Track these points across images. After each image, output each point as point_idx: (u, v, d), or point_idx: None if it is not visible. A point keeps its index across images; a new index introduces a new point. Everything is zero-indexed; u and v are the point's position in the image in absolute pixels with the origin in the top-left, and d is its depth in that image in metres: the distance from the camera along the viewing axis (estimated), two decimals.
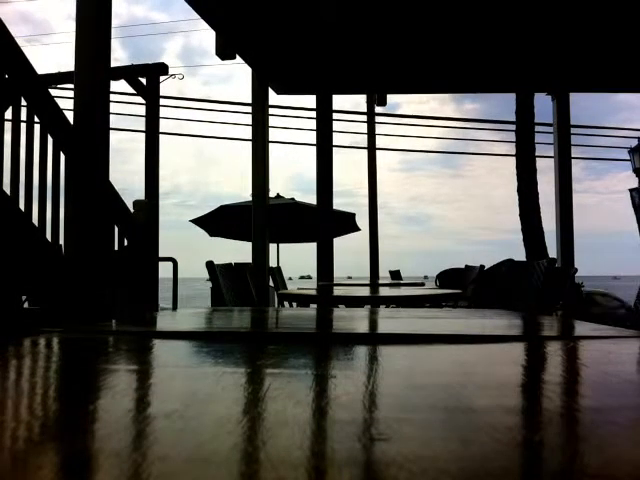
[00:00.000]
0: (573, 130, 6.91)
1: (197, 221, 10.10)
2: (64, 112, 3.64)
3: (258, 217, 6.12)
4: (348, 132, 13.79)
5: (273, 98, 6.62)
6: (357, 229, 10.26)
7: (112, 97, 3.77)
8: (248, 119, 6.42)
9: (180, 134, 15.61)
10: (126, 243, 4.18)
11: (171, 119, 13.94)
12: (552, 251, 7.37)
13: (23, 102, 3.39)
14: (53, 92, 3.72)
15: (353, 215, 10.26)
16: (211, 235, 10.40)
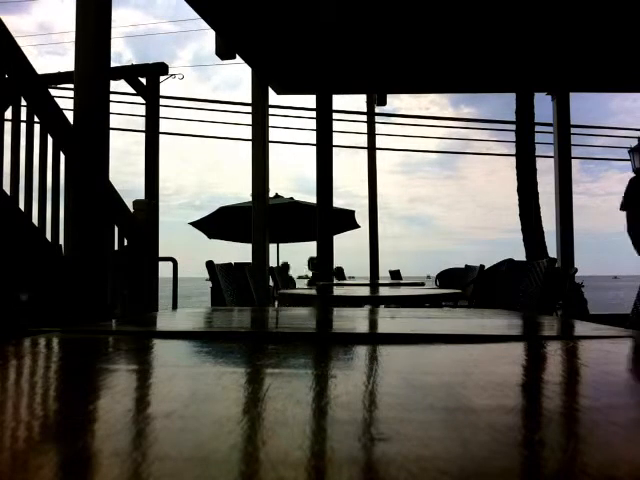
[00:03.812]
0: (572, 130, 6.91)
1: (196, 224, 10.10)
2: (64, 112, 3.64)
3: (258, 217, 6.12)
4: (349, 132, 13.80)
5: (275, 98, 6.62)
6: (357, 226, 10.26)
7: (115, 97, 3.77)
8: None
9: (183, 134, 15.62)
10: (126, 243, 4.18)
11: (172, 119, 13.95)
12: (552, 251, 7.37)
13: (23, 102, 3.39)
14: (53, 92, 3.72)
15: (352, 212, 10.27)
16: (210, 237, 10.40)
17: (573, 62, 5.99)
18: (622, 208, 7.30)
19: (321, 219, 7.24)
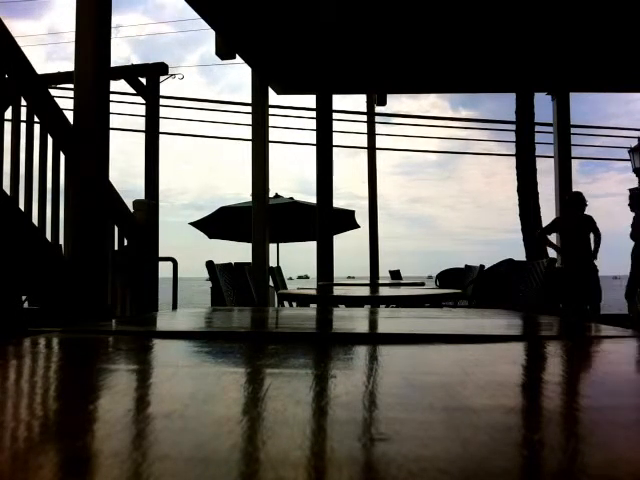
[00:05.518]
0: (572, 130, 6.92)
1: (197, 224, 10.10)
2: (64, 112, 3.64)
3: (258, 217, 6.12)
4: (349, 132, 13.80)
5: (275, 98, 6.62)
6: (357, 226, 10.27)
7: (116, 97, 3.76)
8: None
9: (185, 134, 15.62)
10: (126, 243, 4.18)
11: (173, 119, 13.95)
12: (552, 251, 7.37)
13: (23, 102, 3.39)
14: (53, 92, 3.72)
15: (352, 212, 10.27)
16: (210, 237, 10.40)
17: (573, 62, 5.99)
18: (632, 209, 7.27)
19: (321, 219, 7.25)
